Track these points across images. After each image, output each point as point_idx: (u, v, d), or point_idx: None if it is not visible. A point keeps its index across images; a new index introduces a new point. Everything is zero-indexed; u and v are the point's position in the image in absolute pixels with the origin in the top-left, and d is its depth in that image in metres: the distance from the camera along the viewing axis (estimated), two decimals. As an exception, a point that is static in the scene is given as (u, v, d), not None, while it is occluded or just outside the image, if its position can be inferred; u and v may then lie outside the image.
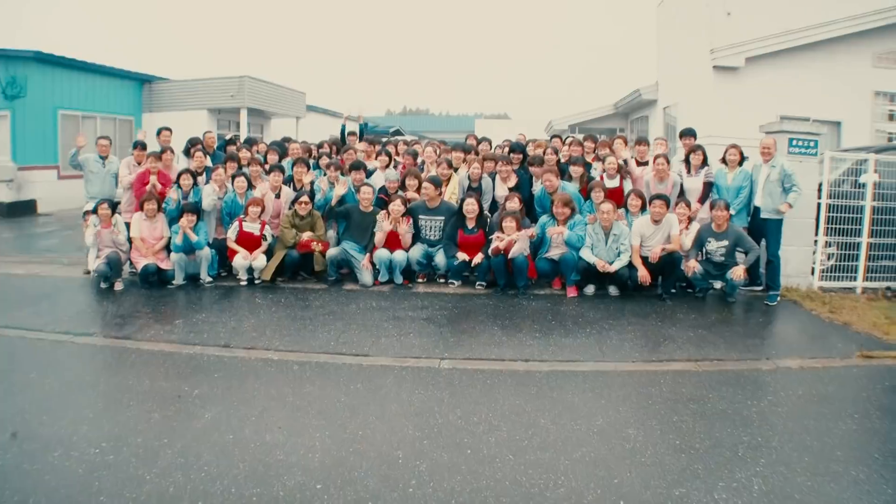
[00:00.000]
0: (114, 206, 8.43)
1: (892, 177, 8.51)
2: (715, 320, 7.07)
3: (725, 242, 7.56)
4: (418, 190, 8.57)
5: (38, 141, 16.72)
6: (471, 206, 8.08)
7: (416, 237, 8.41)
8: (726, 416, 4.59)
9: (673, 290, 7.94)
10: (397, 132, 28.10)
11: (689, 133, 8.81)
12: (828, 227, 8.40)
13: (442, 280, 8.48)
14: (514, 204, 7.99)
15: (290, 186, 9.02)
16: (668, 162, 8.42)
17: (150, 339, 6.18)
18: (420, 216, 8.36)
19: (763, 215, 7.94)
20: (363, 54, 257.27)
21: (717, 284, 8.05)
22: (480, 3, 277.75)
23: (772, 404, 4.86)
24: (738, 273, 7.51)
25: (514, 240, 7.58)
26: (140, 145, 9.31)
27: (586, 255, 7.67)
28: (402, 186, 8.77)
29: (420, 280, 8.49)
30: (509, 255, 7.61)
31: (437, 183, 8.39)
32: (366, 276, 8.18)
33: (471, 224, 8.13)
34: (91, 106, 18.78)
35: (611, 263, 7.63)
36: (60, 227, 13.83)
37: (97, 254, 8.13)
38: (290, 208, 8.54)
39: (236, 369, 5.35)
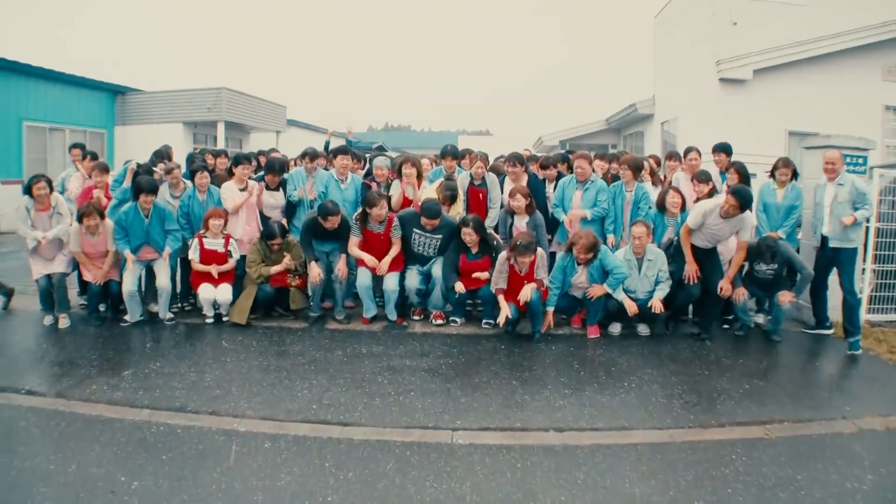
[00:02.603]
0: (50, 183, 7.06)
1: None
2: (766, 366, 6.01)
3: (775, 265, 6.57)
4: (419, 178, 7.42)
5: (1, 154, 15.58)
6: (469, 237, 6.74)
7: (406, 251, 7.11)
8: (833, 510, 3.51)
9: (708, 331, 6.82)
10: (381, 148, 27.03)
11: (722, 149, 7.63)
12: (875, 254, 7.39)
13: (440, 320, 7.08)
14: (520, 202, 6.94)
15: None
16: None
17: (88, 397, 4.94)
18: (414, 230, 7.00)
19: (833, 244, 6.66)
20: (346, 69, 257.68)
21: (760, 318, 7.05)
22: (462, 19, 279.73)
23: (880, 487, 3.79)
24: (786, 298, 6.52)
25: (526, 298, 6.39)
26: (91, 155, 8.19)
27: (618, 292, 6.58)
28: (399, 174, 7.55)
29: (416, 317, 7.24)
30: (521, 300, 6.45)
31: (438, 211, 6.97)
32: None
33: (474, 249, 6.89)
34: (59, 117, 17.74)
35: (648, 294, 6.58)
36: (21, 247, 12.39)
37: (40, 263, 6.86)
38: (260, 238, 7.20)
39: (191, 447, 4.13)
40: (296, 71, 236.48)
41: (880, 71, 13.75)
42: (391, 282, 6.95)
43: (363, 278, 6.93)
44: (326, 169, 7.98)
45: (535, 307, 6.43)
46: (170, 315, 7.14)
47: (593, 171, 7.22)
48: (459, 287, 6.76)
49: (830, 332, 6.92)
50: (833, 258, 6.70)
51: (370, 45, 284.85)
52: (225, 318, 7.05)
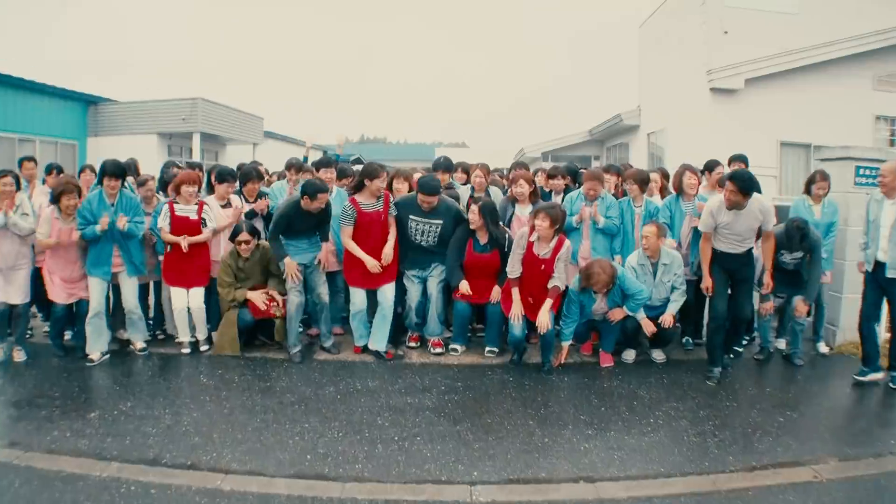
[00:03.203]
0: (18, 181, 6.21)
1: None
2: (795, 395, 5.56)
3: (800, 253, 6.10)
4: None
5: (-33, 165, 14.78)
6: (473, 216, 6.14)
7: (402, 244, 6.43)
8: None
9: (731, 356, 6.33)
10: (357, 160, 26.53)
11: (741, 160, 7.16)
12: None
13: (438, 349, 6.44)
14: (523, 188, 6.70)
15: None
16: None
17: (48, 447, 4.30)
18: (411, 217, 6.29)
19: (891, 274, 5.60)
20: (320, 81, 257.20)
21: (781, 344, 6.66)
22: (435, 30, 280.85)
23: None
24: (802, 310, 6.10)
25: (544, 329, 5.77)
26: (56, 169, 7.57)
27: (637, 313, 6.09)
28: (389, 188, 6.91)
29: (412, 344, 6.62)
30: (539, 329, 5.82)
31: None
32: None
33: (483, 238, 6.24)
34: (29, 128, 17.10)
35: (663, 301, 6.13)
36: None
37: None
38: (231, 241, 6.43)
39: (167, 512, 3.54)
40: (272, 81, 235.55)
41: (871, 80, 13.53)
42: (388, 294, 6.25)
43: (358, 302, 6.30)
44: None
45: (548, 337, 5.87)
46: (142, 345, 6.45)
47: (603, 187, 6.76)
48: (464, 287, 6.15)
49: (881, 375, 5.94)
50: (887, 287, 5.75)
51: (349, 55, 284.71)
52: (203, 349, 6.44)
